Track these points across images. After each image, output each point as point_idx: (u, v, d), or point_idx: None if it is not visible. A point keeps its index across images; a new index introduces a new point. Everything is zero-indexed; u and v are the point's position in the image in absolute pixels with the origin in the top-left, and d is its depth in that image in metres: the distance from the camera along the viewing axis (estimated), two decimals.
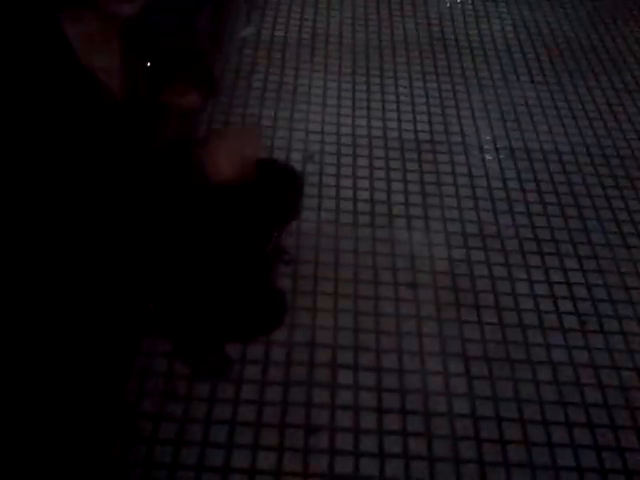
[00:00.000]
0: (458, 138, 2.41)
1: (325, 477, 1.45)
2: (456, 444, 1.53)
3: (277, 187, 1.53)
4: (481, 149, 2.38)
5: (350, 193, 2.15)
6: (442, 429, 1.55)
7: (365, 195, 2.15)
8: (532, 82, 2.73)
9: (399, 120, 2.47)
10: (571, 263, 2.00)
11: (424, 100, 2.57)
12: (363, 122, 2.44)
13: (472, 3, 3.22)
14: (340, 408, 1.57)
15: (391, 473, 1.47)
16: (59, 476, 1.24)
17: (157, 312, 1.46)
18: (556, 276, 1.95)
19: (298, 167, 2.20)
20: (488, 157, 2.35)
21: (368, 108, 2.51)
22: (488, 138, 2.43)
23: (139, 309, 1.39)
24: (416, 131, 2.43)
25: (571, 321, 1.84)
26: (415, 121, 2.47)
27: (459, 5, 3.19)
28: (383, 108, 2.51)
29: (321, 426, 1.53)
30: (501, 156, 2.36)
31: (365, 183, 2.19)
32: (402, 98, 2.57)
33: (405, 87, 2.63)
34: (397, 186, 2.19)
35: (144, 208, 1.21)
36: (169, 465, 1.43)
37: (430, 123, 2.47)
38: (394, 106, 2.53)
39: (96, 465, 1.38)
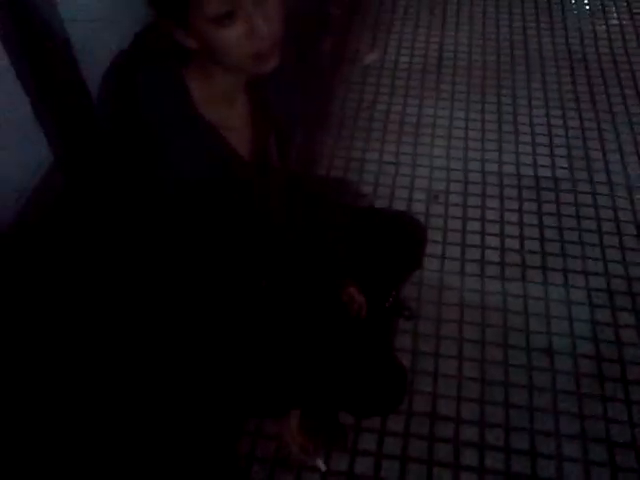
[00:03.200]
0: (603, 176, 2.16)
1: None
2: None
3: (397, 238, 1.42)
4: (629, 189, 2.11)
5: (478, 239, 1.97)
6: None
7: (495, 242, 1.96)
8: None
9: (534, 154, 2.25)
10: None
11: (563, 132, 2.33)
12: (494, 157, 2.25)
13: (618, 18, 2.91)
14: None
15: None
16: None
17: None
18: None
19: (421, 208, 2.07)
20: (637, 197, 2.09)
21: (499, 141, 2.31)
22: (637, 175, 2.16)
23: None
24: (554, 167, 2.20)
25: None
26: (552, 155, 2.25)
27: (603, 22, 2.89)
28: (516, 141, 2.31)
29: None
30: None
31: (495, 228, 2.00)
32: (537, 129, 2.35)
33: (541, 116, 2.40)
34: (531, 232, 1.99)
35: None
36: None
37: (570, 158, 2.23)
38: (528, 138, 2.31)
39: None
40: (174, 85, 0.88)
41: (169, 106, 0.88)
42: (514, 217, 2.04)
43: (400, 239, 1.43)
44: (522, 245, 1.95)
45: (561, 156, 2.24)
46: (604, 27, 2.86)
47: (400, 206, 2.07)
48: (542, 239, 1.97)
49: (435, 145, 2.30)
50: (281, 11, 0.85)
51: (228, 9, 0.78)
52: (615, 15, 2.94)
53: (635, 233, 1.97)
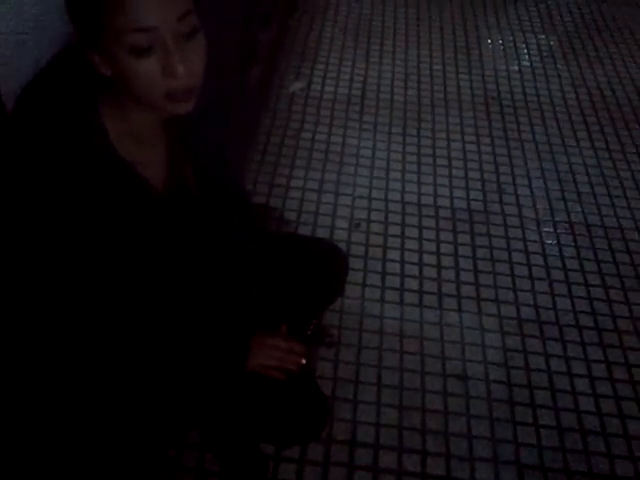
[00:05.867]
0: (514, 210, 2.28)
1: None
2: None
3: (319, 266, 1.44)
4: (538, 222, 2.24)
5: (397, 267, 2.03)
6: None
7: (414, 270, 2.03)
8: (593, 148, 2.59)
9: (451, 186, 2.35)
10: (636, 358, 1.84)
11: (478, 166, 2.45)
12: (413, 188, 2.33)
13: (529, 60, 3.10)
14: None
15: None
16: None
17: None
18: (620, 373, 1.79)
19: (344, 235, 2.11)
20: (545, 230, 2.21)
21: (419, 172, 2.40)
22: (546, 209, 2.30)
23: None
24: (469, 200, 2.31)
25: (636, 427, 1.68)
26: (468, 188, 2.36)
27: (516, 62, 3.07)
28: (434, 172, 2.40)
29: None
30: (559, 231, 2.22)
31: (414, 257, 2.07)
32: (454, 163, 2.46)
33: (458, 150, 2.52)
34: (447, 261, 2.07)
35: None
36: None
37: (484, 191, 2.35)
38: (446, 171, 2.42)
39: None
40: (89, 119, 0.85)
41: (82, 142, 0.86)
42: (432, 246, 2.11)
43: (322, 267, 1.44)
44: (439, 274, 2.03)
45: (476, 189, 2.35)
46: (517, 67, 3.04)
47: (323, 233, 2.10)
48: (457, 268, 2.05)
49: (358, 174, 2.36)
50: (203, 57, 0.83)
51: (148, 43, 0.77)
52: (527, 57, 3.13)
53: (542, 264, 2.09)
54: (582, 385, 1.76)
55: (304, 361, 1.19)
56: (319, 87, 2.76)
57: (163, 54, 0.78)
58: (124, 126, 0.89)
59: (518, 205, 2.30)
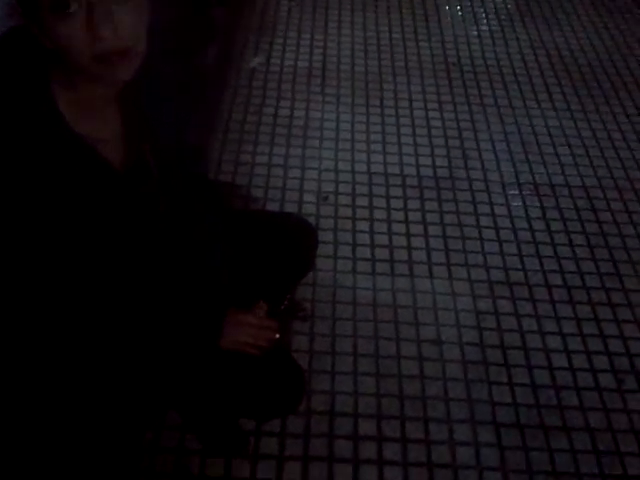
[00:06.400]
0: (479, 174, 2.29)
1: None
2: None
3: (289, 241, 1.43)
4: (503, 185, 2.26)
5: (367, 238, 2.04)
6: None
7: (384, 240, 2.03)
8: (554, 109, 2.61)
9: (416, 155, 2.36)
10: (604, 313, 1.88)
11: (442, 132, 2.46)
12: (379, 158, 2.32)
13: (488, 24, 3.10)
14: None
15: None
16: None
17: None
18: (589, 328, 1.83)
19: (312, 209, 2.10)
20: (511, 193, 2.23)
21: (384, 142, 2.39)
22: (510, 172, 2.32)
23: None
24: (435, 167, 2.31)
25: (608, 380, 1.72)
26: (433, 155, 2.36)
27: (474, 27, 3.07)
28: (399, 142, 2.40)
29: None
30: (525, 192, 2.24)
31: (383, 226, 2.07)
32: (418, 131, 2.46)
33: (421, 118, 2.52)
34: (416, 229, 2.08)
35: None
36: None
37: (449, 157, 2.35)
38: (410, 140, 2.42)
39: None
40: (37, 91, 0.83)
41: (30, 113, 0.83)
42: (400, 215, 2.12)
43: (292, 241, 1.43)
44: (409, 242, 2.03)
45: (441, 156, 2.36)
46: (475, 32, 3.04)
47: (291, 208, 2.09)
48: (426, 235, 2.06)
49: (323, 147, 2.34)
50: (137, 19, 0.80)
51: (67, 1, 0.73)
52: (485, 21, 3.12)
53: (510, 226, 2.11)
54: (554, 342, 1.79)
55: (277, 336, 1.19)
56: (279, 61, 2.73)
57: (87, 14, 0.75)
58: (74, 98, 0.87)
59: (483, 169, 2.32)
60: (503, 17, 3.16)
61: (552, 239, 2.08)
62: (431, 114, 2.54)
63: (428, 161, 2.33)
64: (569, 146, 2.44)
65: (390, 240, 2.04)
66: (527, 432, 1.59)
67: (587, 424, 1.62)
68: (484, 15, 3.16)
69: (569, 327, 1.83)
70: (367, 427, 1.57)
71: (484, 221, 2.12)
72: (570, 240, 2.08)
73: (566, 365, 1.74)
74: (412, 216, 2.12)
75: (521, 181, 2.28)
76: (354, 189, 2.20)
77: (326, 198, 2.16)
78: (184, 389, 1.19)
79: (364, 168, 2.28)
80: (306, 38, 2.88)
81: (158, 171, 1.04)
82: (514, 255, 2.02)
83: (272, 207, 2.08)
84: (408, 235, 2.06)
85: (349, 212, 2.12)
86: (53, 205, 0.86)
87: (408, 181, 2.24)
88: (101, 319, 1.01)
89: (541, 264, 2.00)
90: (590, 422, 1.62)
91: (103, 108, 0.93)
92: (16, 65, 0.84)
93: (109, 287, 1.02)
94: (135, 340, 1.07)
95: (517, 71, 2.81)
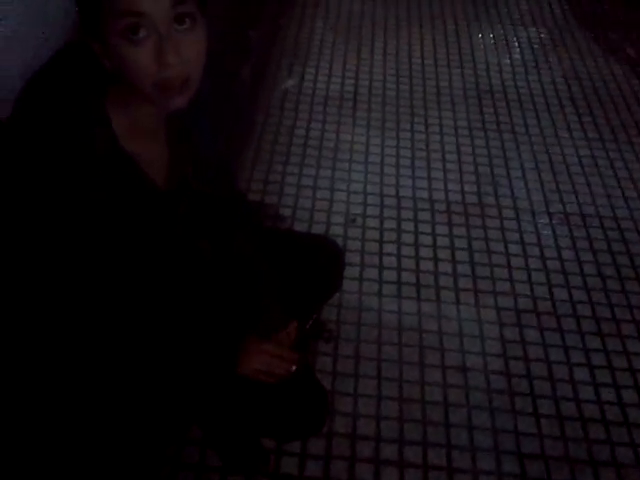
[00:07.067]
0: (509, 202, 2.28)
1: None
2: None
3: (316, 261, 1.43)
4: (533, 214, 2.24)
5: (394, 261, 2.03)
6: None
7: (411, 264, 2.03)
8: (586, 139, 2.60)
9: (445, 180, 2.36)
10: (634, 346, 1.85)
11: (471, 159, 2.46)
12: (408, 182, 2.33)
13: (521, 53, 3.11)
14: None
15: None
16: None
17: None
18: (619, 362, 1.80)
19: (340, 231, 2.11)
20: (541, 222, 2.22)
21: (412, 167, 2.40)
22: (540, 201, 2.30)
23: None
24: (463, 192, 2.31)
25: (636, 414, 1.68)
26: (462, 181, 2.36)
27: (507, 56, 3.08)
28: (428, 166, 2.40)
29: None
30: (554, 222, 2.22)
31: (410, 250, 2.07)
32: (448, 156, 2.46)
33: (451, 144, 2.52)
34: (444, 254, 2.07)
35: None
36: None
37: (478, 184, 2.35)
38: (440, 164, 2.42)
39: None
40: (93, 110, 0.85)
41: (84, 130, 0.86)
42: (428, 240, 2.11)
43: (319, 262, 1.44)
44: (436, 267, 2.03)
45: (470, 182, 2.36)
46: (508, 60, 3.05)
47: (319, 229, 2.10)
48: (454, 260, 2.05)
49: (353, 170, 2.36)
50: (200, 48, 0.82)
51: (134, 21, 0.76)
52: (518, 50, 3.13)
53: (539, 254, 2.09)
54: (581, 374, 1.76)
55: (294, 368, 1.18)
56: (311, 84, 2.76)
57: (156, 40, 0.78)
58: (127, 119, 0.89)
59: (513, 197, 2.31)
60: (536, 46, 3.16)
61: (582, 269, 2.06)
62: (461, 140, 2.54)
63: (457, 187, 2.33)
64: (600, 176, 2.42)
65: (417, 264, 2.03)
66: (552, 464, 1.56)
67: (614, 458, 1.58)
68: (517, 44, 3.17)
69: (597, 359, 1.80)
70: (389, 452, 1.55)
71: (513, 249, 2.11)
72: (599, 271, 2.06)
73: (594, 398, 1.71)
74: (440, 241, 2.11)
75: (551, 210, 2.26)
76: (382, 212, 2.20)
77: (354, 220, 2.16)
78: (206, 406, 1.19)
79: (393, 192, 2.29)
80: (339, 62, 2.91)
81: (198, 192, 1.06)
82: (543, 284, 2.00)
83: (300, 227, 2.10)
84: (435, 260, 2.05)
85: (376, 235, 2.12)
86: (98, 218, 0.88)
87: (436, 206, 2.24)
88: (126, 332, 1.02)
89: (570, 294, 1.97)
90: (617, 457, 1.59)
91: (153, 129, 0.95)
92: (75, 83, 0.86)
93: (139, 299, 1.03)
94: (155, 356, 1.07)
95: (549, 100, 2.80)
